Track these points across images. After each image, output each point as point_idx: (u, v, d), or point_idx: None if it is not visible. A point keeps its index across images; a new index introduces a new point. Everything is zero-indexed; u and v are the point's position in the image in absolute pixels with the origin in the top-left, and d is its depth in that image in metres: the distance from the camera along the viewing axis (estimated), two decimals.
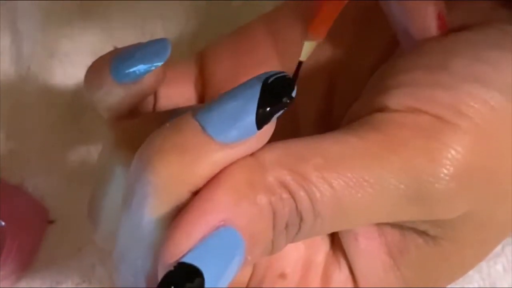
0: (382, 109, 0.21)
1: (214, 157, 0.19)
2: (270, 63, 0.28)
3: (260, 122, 0.19)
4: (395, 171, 0.20)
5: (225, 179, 0.19)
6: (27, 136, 0.35)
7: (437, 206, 0.21)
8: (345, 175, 0.20)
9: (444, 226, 0.22)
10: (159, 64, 0.24)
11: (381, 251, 0.23)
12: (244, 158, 0.20)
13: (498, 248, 0.33)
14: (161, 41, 0.25)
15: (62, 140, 0.35)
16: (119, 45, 0.35)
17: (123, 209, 0.20)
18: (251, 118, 0.19)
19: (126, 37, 0.35)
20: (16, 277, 0.34)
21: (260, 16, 0.30)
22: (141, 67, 0.24)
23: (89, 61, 0.35)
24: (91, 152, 0.35)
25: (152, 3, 0.35)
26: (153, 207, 0.19)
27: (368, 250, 0.23)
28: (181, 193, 0.19)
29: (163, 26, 0.35)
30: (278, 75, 0.20)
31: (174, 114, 0.23)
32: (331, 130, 0.23)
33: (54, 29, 0.35)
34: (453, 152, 0.20)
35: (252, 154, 0.20)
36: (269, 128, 0.20)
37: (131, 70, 0.24)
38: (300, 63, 0.23)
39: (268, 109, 0.20)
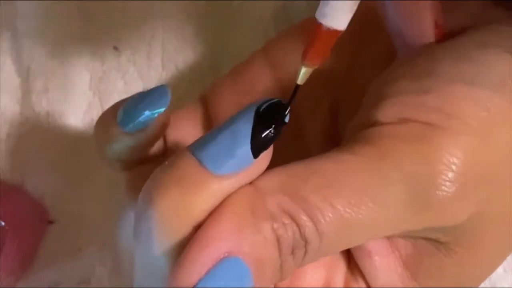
0: (374, 124, 0.21)
1: (213, 189, 0.20)
2: (270, 94, 0.28)
3: (256, 151, 0.20)
4: (393, 182, 0.20)
5: (226, 210, 0.19)
6: (27, 136, 0.35)
7: (441, 212, 0.21)
8: (344, 192, 0.20)
9: (454, 232, 0.22)
10: (162, 109, 0.25)
11: (397, 265, 0.23)
12: (243, 187, 0.20)
13: None
14: (160, 88, 0.25)
15: (62, 140, 0.35)
16: (119, 46, 0.35)
17: (135, 245, 0.21)
18: (246, 148, 0.20)
19: (126, 38, 0.35)
20: (16, 277, 0.34)
21: (260, 48, 0.30)
22: (146, 115, 0.25)
23: (89, 61, 0.36)
24: (92, 152, 0.35)
25: (152, 3, 0.35)
26: (159, 242, 0.20)
27: (384, 266, 0.23)
28: (184, 227, 0.20)
29: (163, 26, 0.35)
30: (270, 102, 0.20)
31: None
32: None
33: (54, 29, 0.35)
34: (447, 155, 0.20)
35: (251, 182, 0.20)
36: (267, 155, 0.20)
37: (137, 118, 0.25)
38: (297, 86, 0.23)
39: (262, 137, 0.20)
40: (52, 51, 0.35)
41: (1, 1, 0.35)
